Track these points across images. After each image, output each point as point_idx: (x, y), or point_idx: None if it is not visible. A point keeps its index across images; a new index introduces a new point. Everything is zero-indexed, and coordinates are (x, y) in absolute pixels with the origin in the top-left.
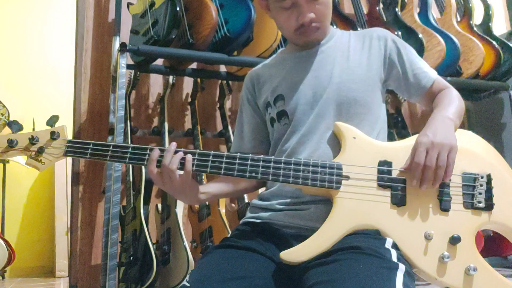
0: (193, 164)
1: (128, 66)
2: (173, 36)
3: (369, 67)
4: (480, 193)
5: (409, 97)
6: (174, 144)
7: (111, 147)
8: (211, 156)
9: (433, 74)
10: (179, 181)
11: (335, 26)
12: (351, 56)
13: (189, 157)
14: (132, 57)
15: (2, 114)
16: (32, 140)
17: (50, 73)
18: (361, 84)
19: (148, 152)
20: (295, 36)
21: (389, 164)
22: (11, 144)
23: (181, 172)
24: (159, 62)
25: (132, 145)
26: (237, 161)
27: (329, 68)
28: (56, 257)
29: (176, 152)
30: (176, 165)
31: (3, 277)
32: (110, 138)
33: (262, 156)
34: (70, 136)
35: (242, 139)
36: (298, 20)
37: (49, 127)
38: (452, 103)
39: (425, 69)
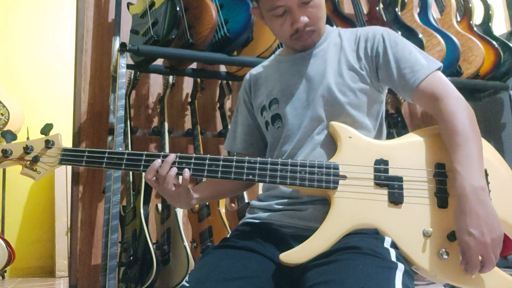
0: (190, 169)
1: (128, 66)
2: (173, 36)
3: (360, 69)
4: None
5: (403, 97)
6: (172, 155)
7: (107, 154)
8: (207, 160)
9: (423, 73)
10: (175, 191)
11: (334, 26)
12: (342, 59)
13: (186, 175)
14: (132, 57)
15: (2, 114)
16: (27, 149)
17: (50, 73)
18: (354, 86)
19: (144, 157)
20: (292, 42)
21: (385, 162)
22: (5, 154)
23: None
24: (159, 62)
25: (127, 151)
26: (234, 163)
27: (322, 71)
28: (56, 257)
29: (174, 163)
30: (172, 179)
31: (3, 277)
32: (110, 138)
33: (258, 159)
34: (69, 138)
35: (235, 138)
36: (292, 26)
37: (43, 136)
38: (467, 146)
39: (416, 67)
